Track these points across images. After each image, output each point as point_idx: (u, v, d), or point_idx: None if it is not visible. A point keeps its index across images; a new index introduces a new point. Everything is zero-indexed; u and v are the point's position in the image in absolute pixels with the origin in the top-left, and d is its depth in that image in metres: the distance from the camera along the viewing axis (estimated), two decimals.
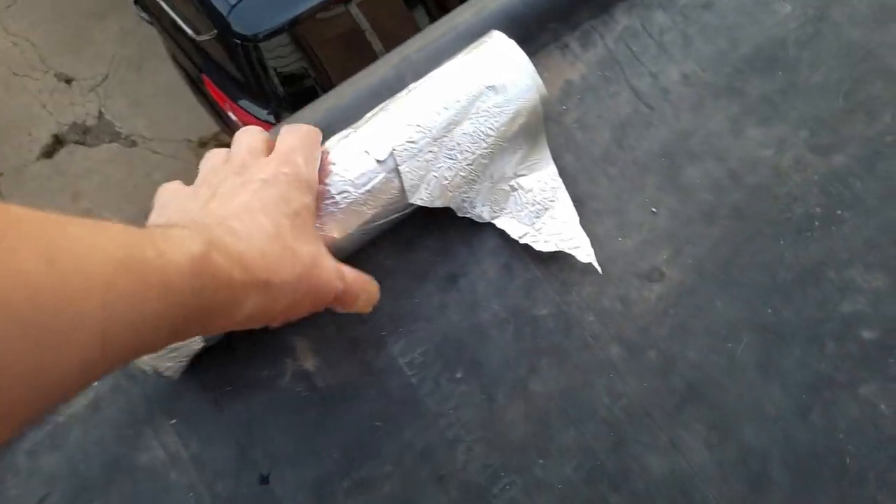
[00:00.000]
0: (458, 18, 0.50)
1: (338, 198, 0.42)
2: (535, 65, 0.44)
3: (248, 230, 0.35)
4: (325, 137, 0.44)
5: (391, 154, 0.42)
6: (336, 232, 0.42)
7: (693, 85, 0.50)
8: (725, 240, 0.46)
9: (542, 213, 0.46)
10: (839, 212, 0.46)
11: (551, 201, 0.46)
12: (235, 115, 2.22)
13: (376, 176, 0.42)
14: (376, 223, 0.44)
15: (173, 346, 0.41)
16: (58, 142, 3.17)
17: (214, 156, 0.42)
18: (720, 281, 0.45)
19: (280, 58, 2.09)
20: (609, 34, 0.51)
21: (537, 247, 0.45)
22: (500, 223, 0.46)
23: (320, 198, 0.42)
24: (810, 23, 0.51)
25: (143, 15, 2.46)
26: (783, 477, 0.42)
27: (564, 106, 0.50)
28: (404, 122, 0.42)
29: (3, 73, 3.29)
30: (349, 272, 0.40)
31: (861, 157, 0.47)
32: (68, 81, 3.27)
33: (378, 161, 0.42)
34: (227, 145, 0.43)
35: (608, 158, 0.49)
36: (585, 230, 0.45)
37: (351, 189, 0.42)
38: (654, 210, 0.47)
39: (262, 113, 2.20)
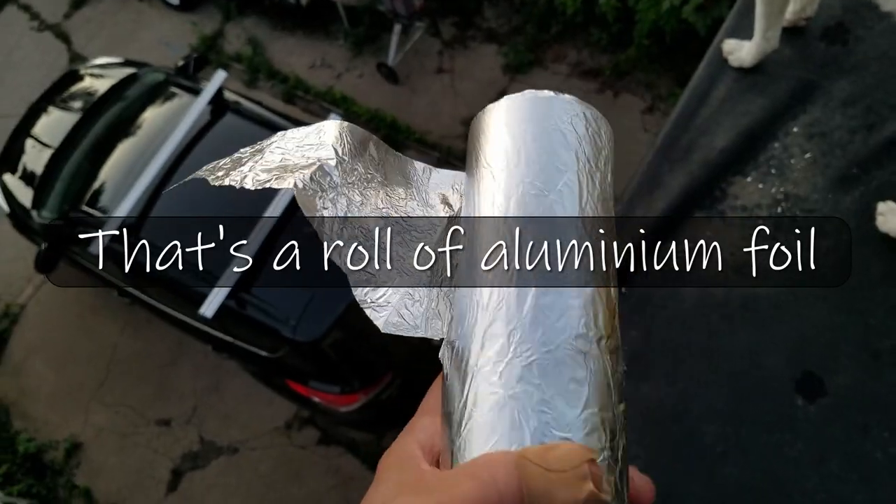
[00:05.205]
0: None
1: None
2: None
3: None
4: None
5: None
6: None
7: None
8: None
9: None
10: None
11: None
12: (318, 398, 2.90)
13: None
14: None
15: None
16: (176, 475, 3.81)
17: None
18: None
19: (336, 342, 2.79)
20: None
21: None
22: None
23: None
24: None
25: (223, 355, 3.22)
26: None
27: None
28: None
29: (116, 440, 4.01)
30: None
31: None
32: (167, 423, 3.98)
33: None
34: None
35: None
36: None
37: None
38: None
39: (335, 389, 2.88)
